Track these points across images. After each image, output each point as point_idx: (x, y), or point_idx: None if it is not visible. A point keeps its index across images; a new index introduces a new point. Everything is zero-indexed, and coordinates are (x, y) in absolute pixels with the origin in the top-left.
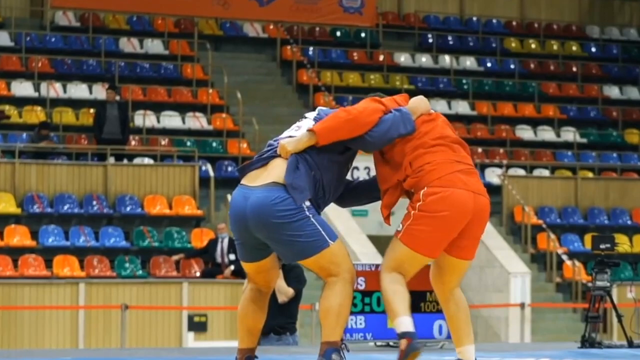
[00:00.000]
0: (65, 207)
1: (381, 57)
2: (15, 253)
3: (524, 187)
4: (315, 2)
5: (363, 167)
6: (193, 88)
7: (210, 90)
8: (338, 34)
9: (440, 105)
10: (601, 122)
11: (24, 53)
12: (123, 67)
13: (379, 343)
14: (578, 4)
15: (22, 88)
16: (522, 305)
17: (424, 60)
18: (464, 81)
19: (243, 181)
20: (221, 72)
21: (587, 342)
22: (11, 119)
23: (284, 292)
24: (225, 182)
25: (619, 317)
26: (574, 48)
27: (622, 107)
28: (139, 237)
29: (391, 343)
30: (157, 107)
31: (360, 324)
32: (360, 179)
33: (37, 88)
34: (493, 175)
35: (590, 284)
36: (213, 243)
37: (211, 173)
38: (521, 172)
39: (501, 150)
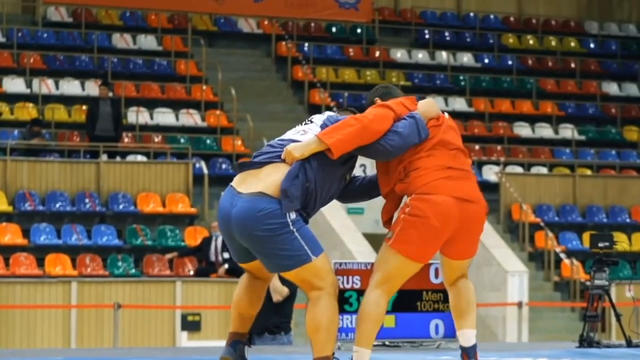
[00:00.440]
0: (57, 205)
1: (377, 53)
2: (6, 251)
3: (521, 185)
4: None
5: (359, 164)
6: (187, 84)
7: (204, 87)
8: (334, 29)
9: (437, 102)
10: (600, 119)
11: (15, 49)
12: (116, 63)
13: (374, 342)
14: None
15: (14, 84)
16: (520, 305)
17: (421, 56)
18: (461, 77)
19: (234, 182)
20: (215, 68)
21: (586, 342)
22: (2, 116)
23: (279, 291)
24: (219, 179)
25: (618, 316)
26: (573, 44)
27: (621, 104)
28: (132, 235)
29: (387, 342)
30: (151, 104)
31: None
32: (356, 175)
33: (28, 84)
34: (490, 173)
35: (588, 283)
36: (207, 241)
37: (205, 170)
38: (519, 169)
39: (499, 148)
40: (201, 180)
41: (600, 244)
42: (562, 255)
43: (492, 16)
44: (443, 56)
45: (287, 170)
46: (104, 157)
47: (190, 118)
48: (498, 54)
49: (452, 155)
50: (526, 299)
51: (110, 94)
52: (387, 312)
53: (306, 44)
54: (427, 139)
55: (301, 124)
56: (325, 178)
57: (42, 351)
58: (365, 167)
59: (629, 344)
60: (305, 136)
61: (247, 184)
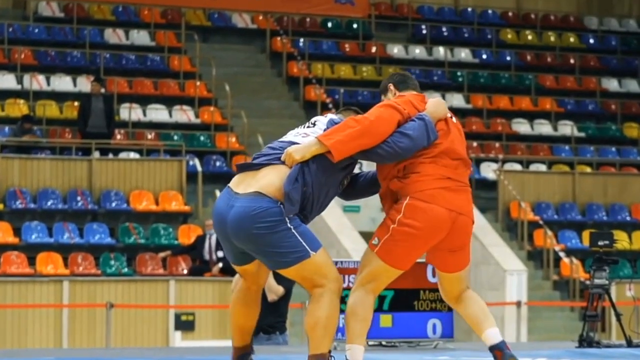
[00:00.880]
0: (49, 203)
1: (374, 49)
2: None
3: (520, 183)
4: None
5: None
6: (180, 80)
7: (198, 83)
8: (329, 24)
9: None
10: (599, 115)
11: (6, 44)
12: (108, 58)
13: (370, 342)
14: None
15: (5, 80)
16: (519, 304)
17: (418, 51)
18: (459, 73)
19: (232, 183)
20: (209, 64)
21: (585, 342)
22: None
23: (274, 290)
24: (213, 177)
25: (618, 315)
26: (572, 39)
27: (621, 100)
28: (125, 233)
29: (383, 342)
30: (143, 100)
31: None
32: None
33: (19, 80)
34: (488, 170)
35: (588, 282)
36: (201, 240)
37: (199, 168)
38: (517, 167)
39: (497, 145)
40: (195, 178)
41: (600, 243)
42: (562, 254)
43: (490, 11)
44: (440, 52)
45: (286, 172)
46: (96, 154)
47: (184, 114)
48: (496, 49)
49: (454, 166)
50: (525, 299)
51: (103, 90)
52: (384, 312)
53: (301, 40)
54: (435, 144)
55: (303, 126)
56: (323, 183)
57: (34, 351)
58: (361, 164)
59: (630, 344)
60: (306, 139)
61: (244, 184)
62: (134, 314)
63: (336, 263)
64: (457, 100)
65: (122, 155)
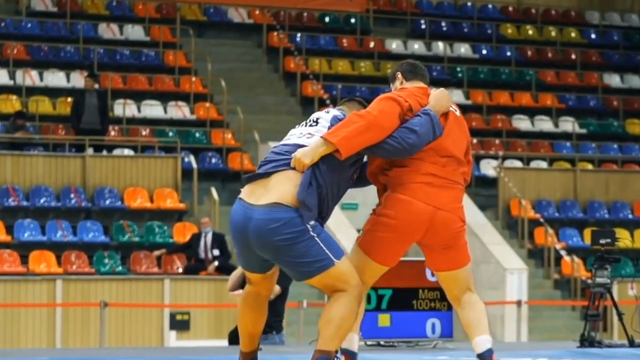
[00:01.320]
0: (42, 201)
1: (372, 44)
2: None
3: (520, 180)
4: None
5: None
6: (175, 76)
7: (193, 79)
8: (327, 19)
9: None
10: (601, 111)
11: None
12: (102, 54)
13: (369, 342)
14: None
15: None
16: (519, 303)
17: (417, 47)
18: (458, 69)
19: (243, 195)
20: (205, 59)
21: (587, 341)
22: None
23: None
24: (209, 174)
25: (620, 315)
26: (573, 34)
27: (623, 96)
28: (119, 231)
29: (382, 342)
30: (138, 96)
31: None
32: None
33: (12, 76)
34: (489, 167)
35: (589, 281)
36: (196, 238)
37: (194, 165)
38: (518, 163)
39: (497, 141)
40: (190, 175)
41: (602, 241)
42: (563, 252)
43: (490, 6)
44: (440, 47)
45: (298, 177)
46: (90, 151)
47: (179, 110)
48: (496, 44)
49: (442, 163)
50: (525, 298)
51: (97, 86)
52: (382, 311)
53: (298, 35)
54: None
55: (304, 124)
56: (334, 181)
57: (26, 351)
58: None
59: (632, 343)
60: (311, 140)
61: (257, 195)
62: (129, 313)
63: None
64: (457, 96)
65: (116, 152)
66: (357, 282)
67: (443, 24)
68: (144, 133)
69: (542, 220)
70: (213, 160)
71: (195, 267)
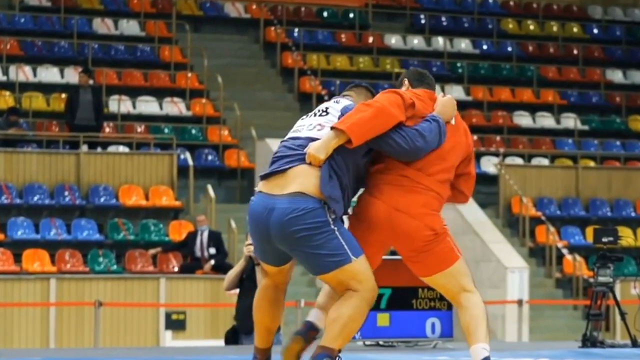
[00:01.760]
0: (35, 198)
1: (371, 39)
2: None
3: (521, 177)
4: None
5: None
6: (171, 72)
7: (189, 74)
8: (325, 14)
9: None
10: (604, 108)
11: None
12: (97, 49)
13: (367, 342)
14: None
15: None
16: (520, 302)
17: (416, 42)
18: (459, 64)
19: (262, 188)
20: (201, 54)
21: (589, 341)
22: None
23: None
24: (205, 171)
25: (622, 314)
26: (575, 29)
27: (625, 92)
28: (114, 229)
29: (381, 342)
30: (133, 92)
31: None
32: None
33: (5, 71)
34: (489, 165)
35: (591, 280)
36: (192, 236)
37: (190, 162)
38: (519, 161)
39: (498, 138)
40: (186, 172)
41: (604, 239)
42: (564, 251)
43: (490, 0)
44: (440, 42)
45: (316, 170)
46: (84, 147)
47: (175, 107)
48: (497, 39)
49: (417, 167)
50: (526, 297)
51: (91, 82)
52: (382, 311)
53: (296, 29)
54: None
55: (313, 114)
56: (351, 171)
57: (20, 351)
58: None
59: (635, 343)
60: (323, 132)
61: (279, 186)
62: (124, 313)
63: None
64: (457, 92)
65: (111, 148)
66: (373, 285)
67: (443, 18)
68: (139, 129)
69: (543, 218)
70: (209, 157)
71: (191, 265)
